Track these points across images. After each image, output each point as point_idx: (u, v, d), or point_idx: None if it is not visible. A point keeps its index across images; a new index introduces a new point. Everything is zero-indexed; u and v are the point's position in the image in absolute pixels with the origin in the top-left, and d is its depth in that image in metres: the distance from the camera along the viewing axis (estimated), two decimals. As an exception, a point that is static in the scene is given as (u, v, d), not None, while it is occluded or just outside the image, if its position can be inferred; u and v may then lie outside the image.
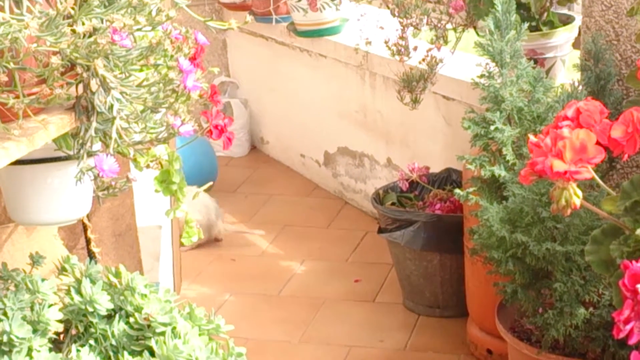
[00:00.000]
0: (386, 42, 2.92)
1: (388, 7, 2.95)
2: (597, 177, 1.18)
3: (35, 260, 2.09)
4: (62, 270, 2.06)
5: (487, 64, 2.18)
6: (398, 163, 3.57)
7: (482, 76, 2.16)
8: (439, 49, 2.80)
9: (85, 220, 2.39)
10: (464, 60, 3.09)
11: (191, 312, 2.01)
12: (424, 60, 2.78)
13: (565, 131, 1.16)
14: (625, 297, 1.08)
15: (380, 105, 3.65)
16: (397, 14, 2.89)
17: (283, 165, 4.37)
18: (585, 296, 1.94)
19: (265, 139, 4.54)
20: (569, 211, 1.14)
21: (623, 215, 1.32)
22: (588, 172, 1.14)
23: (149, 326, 1.92)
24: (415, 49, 2.83)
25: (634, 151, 1.23)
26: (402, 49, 2.85)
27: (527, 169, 1.20)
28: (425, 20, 2.84)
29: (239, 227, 3.64)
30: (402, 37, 2.87)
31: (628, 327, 1.10)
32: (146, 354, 1.85)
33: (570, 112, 1.28)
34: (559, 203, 1.14)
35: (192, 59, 1.92)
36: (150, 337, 1.88)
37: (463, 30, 2.85)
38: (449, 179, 3.10)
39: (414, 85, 2.84)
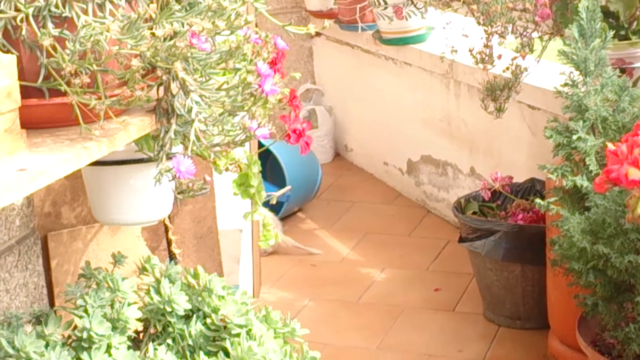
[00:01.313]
0: (470, 51, 2.90)
1: (474, 15, 2.93)
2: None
3: (117, 259, 2.13)
4: (142, 270, 2.10)
5: (570, 72, 2.14)
6: (481, 172, 3.54)
7: (565, 85, 2.13)
8: (523, 57, 2.76)
9: (167, 222, 2.43)
10: (549, 69, 3.05)
11: (267, 315, 2.02)
12: (507, 68, 2.75)
13: (641, 138, 1.14)
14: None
15: (465, 113, 3.62)
16: (482, 22, 2.87)
17: (366, 173, 4.37)
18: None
19: (349, 146, 4.54)
20: (643, 220, 1.12)
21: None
22: (664, 181, 1.11)
23: (225, 327, 1.94)
24: (499, 57, 2.80)
25: None
26: (486, 57, 2.82)
27: (602, 177, 1.18)
28: (510, 29, 2.82)
29: (298, 242, 3.61)
30: (486, 46, 2.85)
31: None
32: (221, 354, 1.87)
33: (647, 122, 1.25)
34: (635, 212, 1.11)
35: (272, 64, 1.93)
36: (225, 339, 1.91)
37: (550, 39, 2.81)
38: (533, 189, 3.06)
39: (497, 93, 2.81)
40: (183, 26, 1.50)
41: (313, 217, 3.91)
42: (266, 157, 3.91)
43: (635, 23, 2.67)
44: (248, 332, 1.94)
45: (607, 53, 2.21)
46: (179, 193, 1.72)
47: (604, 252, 1.86)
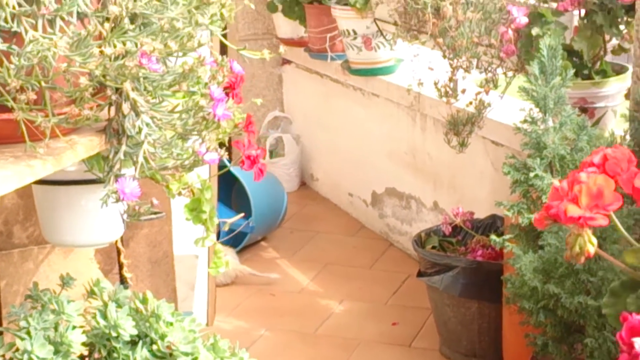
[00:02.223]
0: (435, 84, 2.90)
1: (440, 49, 2.93)
2: (620, 227, 1.13)
3: (66, 281, 2.09)
4: (91, 293, 2.06)
5: (530, 109, 2.14)
6: (444, 207, 3.53)
7: (524, 121, 2.12)
8: (487, 92, 2.76)
9: (119, 245, 2.39)
10: (513, 106, 3.05)
11: (215, 344, 1.98)
12: (470, 103, 2.75)
13: (583, 176, 1.12)
14: (622, 350, 1.03)
15: (430, 147, 3.61)
16: (447, 56, 2.87)
17: (331, 203, 4.35)
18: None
19: (315, 175, 4.53)
20: (582, 259, 1.10)
21: (645, 268, 1.27)
22: (603, 219, 1.09)
23: (171, 355, 1.90)
24: (463, 91, 2.80)
25: (658, 202, 1.18)
26: (450, 91, 2.82)
27: (542, 212, 1.16)
28: (475, 63, 2.82)
29: (254, 270, 3.57)
30: (451, 79, 2.85)
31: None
32: (164, 382, 1.83)
33: (596, 159, 1.24)
34: (573, 250, 1.10)
35: (231, 88, 1.92)
36: (171, 366, 1.87)
37: (514, 76, 2.81)
38: (494, 225, 3.05)
39: (460, 128, 2.80)
40: (136, 46, 1.48)
41: (275, 246, 3.88)
42: (232, 184, 3.89)
43: (598, 63, 2.69)
44: (194, 361, 1.90)
45: (567, 92, 2.21)
46: (128, 216, 1.69)
47: (554, 291, 1.85)
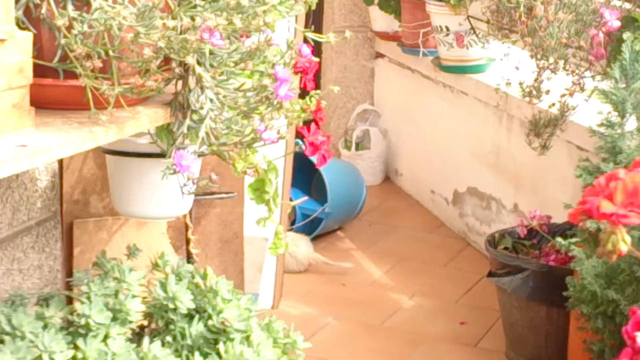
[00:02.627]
0: (521, 84, 2.86)
1: (529, 48, 2.88)
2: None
3: (132, 252, 2.13)
4: (155, 265, 2.09)
5: (609, 112, 2.09)
6: (524, 209, 3.47)
7: (601, 124, 2.07)
8: (572, 95, 2.71)
9: (188, 221, 2.43)
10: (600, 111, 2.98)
11: (269, 324, 2.00)
12: (553, 104, 2.70)
13: (622, 172, 1.09)
14: (627, 344, 1.00)
15: (514, 149, 3.56)
16: (535, 56, 2.82)
17: (413, 199, 4.32)
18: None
19: (399, 170, 4.51)
20: (614, 257, 1.07)
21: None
22: (638, 218, 1.06)
23: (224, 331, 1.92)
24: (547, 92, 2.75)
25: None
26: (535, 91, 2.77)
27: (577, 208, 1.13)
28: (562, 65, 2.76)
29: (328, 258, 3.57)
30: (537, 80, 2.80)
31: (627, 378, 1.01)
32: (214, 356, 1.85)
33: (650, 159, 1.20)
34: (605, 247, 1.07)
35: (304, 73, 1.92)
36: (223, 341, 1.89)
37: (602, 79, 2.75)
38: (571, 230, 2.98)
39: (542, 129, 2.76)
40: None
41: (352, 237, 3.88)
42: (312, 174, 3.90)
43: (690, 71, 2.60)
44: (247, 338, 1.92)
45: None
46: (187, 190, 1.71)
47: (614, 297, 1.80)
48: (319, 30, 1.82)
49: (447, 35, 3.74)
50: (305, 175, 3.88)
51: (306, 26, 1.82)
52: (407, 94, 4.40)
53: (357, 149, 4.49)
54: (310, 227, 3.72)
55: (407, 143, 4.43)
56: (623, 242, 1.07)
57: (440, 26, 3.76)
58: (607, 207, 1.05)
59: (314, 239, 3.70)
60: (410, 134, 4.39)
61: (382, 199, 4.31)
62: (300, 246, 3.49)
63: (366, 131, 4.54)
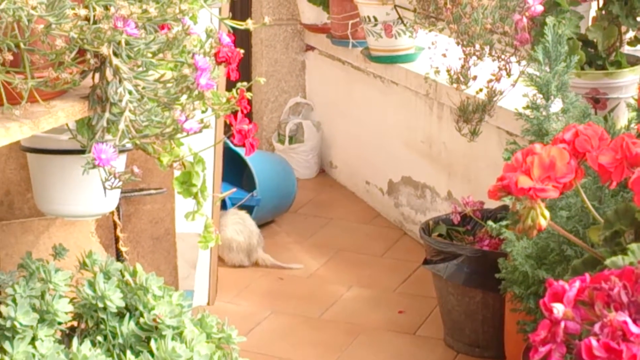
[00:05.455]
0: (448, 70, 2.87)
1: (457, 36, 2.89)
2: (587, 201, 1.09)
3: (58, 252, 2.09)
4: (83, 265, 2.05)
5: (533, 95, 2.10)
6: (458, 196, 3.49)
7: (527, 107, 2.08)
8: (498, 80, 2.72)
9: (116, 219, 2.39)
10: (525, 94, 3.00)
11: (202, 319, 1.97)
12: (481, 90, 2.71)
13: (537, 147, 1.09)
14: (544, 316, 1.00)
15: (446, 136, 3.57)
16: (461, 42, 2.83)
17: (348, 191, 4.32)
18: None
19: (334, 163, 4.50)
20: (534, 232, 1.07)
21: (602, 245, 1.23)
22: (554, 191, 1.06)
23: (156, 328, 1.89)
24: (474, 78, 2.76)
25: (621, 178, 1.14)
26: (462, 78, 2.78)
27: (496, 184, 1.13)
28: (488, 50, 2.78)
29: (278, 260, 3.56)
30: (463, 66, 2.81)
31: (544, 349, 1.02)
32: (146, 354, 1.82)
33: (568, 135, 1.20)
34: (525, 223, 1.06)
35: (227, 63, 1.89)
36: (154, 339, 1.86)
37: (528, 64, 2.77)
38: (503, 214, 3.00)
39: (470, 115, 2.76)
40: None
41: (288, 231, 3.86)
42: (243, 166, 3.87)
43: (614, 54, 2.63)
44: (180, 334, 1.89)
45: (579, 81, 2.17)
46: (106, 182, 1.66)
47: (544, 277, 1.81)
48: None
49: (375, 25, 3.74)
50: (236, 173, 3.85)
51: (232, 19, 1.79)
52: (338, 85, 4.39)
53: (290, 142, 4.47)
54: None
55: (340, 135, 4.42)
56: (542, 217, 1.07)
57: (368, 17, 3.75)
58: (524, 182, 1.05)
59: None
60: (343, 125, 4.38)
61: (317, 192, 4.30)
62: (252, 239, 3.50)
63: (299, 124, 4.52)
